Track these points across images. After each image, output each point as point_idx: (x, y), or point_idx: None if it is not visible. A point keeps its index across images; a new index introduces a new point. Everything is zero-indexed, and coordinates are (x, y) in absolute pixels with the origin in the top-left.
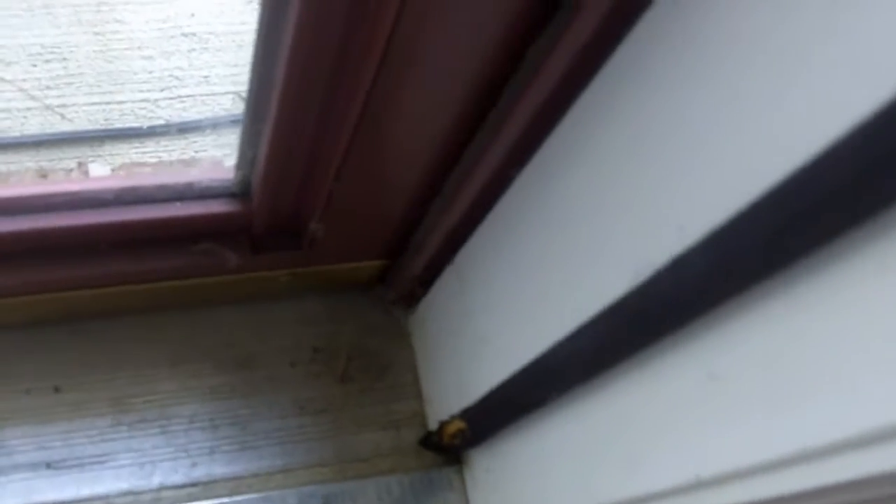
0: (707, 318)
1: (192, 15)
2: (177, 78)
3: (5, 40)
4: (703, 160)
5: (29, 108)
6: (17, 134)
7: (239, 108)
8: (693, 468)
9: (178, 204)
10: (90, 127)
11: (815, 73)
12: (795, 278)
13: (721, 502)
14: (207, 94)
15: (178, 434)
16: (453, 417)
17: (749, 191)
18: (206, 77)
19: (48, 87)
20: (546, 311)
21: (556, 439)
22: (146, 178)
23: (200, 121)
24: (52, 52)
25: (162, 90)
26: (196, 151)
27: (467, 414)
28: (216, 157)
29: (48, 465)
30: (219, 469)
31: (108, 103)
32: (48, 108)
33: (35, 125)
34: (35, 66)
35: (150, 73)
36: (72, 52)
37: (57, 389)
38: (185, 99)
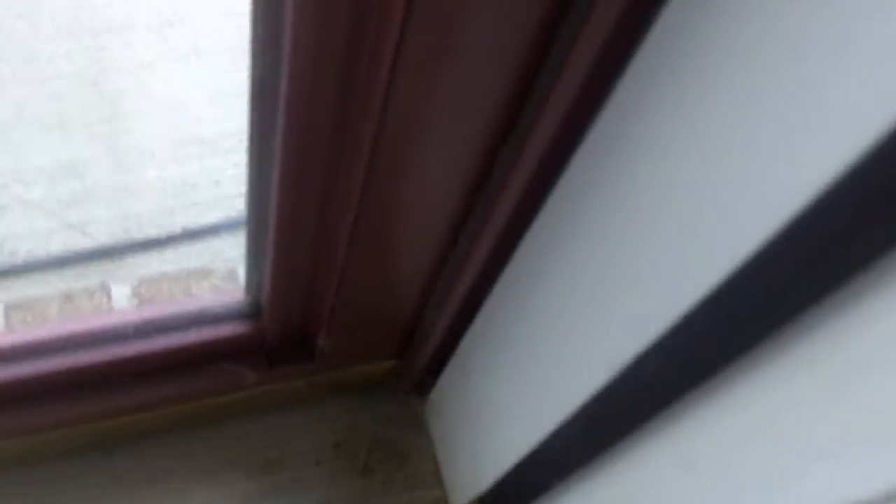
0: (672, 409)
1: (200, 120)
2: (190, 185)
3: (24, 162)
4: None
5: (51, 228)
6: (42, 255)
7: None
8: None
9: (193, 330)
10: (110, 241)
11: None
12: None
13: None
14: (221, 198)
15: None
16: (472, 503)
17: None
18: (217, 181)
19: (68, 205)
20: (540, 400)
21: None
22: (162, 309)
23: (216, 224)
24: (68, 170)
25: (176, 197)
26: (213, 254)
27: (484, 501)
28: (231, 265)
29: None
30: None
31: (125, 216)
32: (70, 226)
33: (58, 244)
34: (54, 185)
35: (164, 181)
36: (87, 167)
37: None
38: (199, 204)
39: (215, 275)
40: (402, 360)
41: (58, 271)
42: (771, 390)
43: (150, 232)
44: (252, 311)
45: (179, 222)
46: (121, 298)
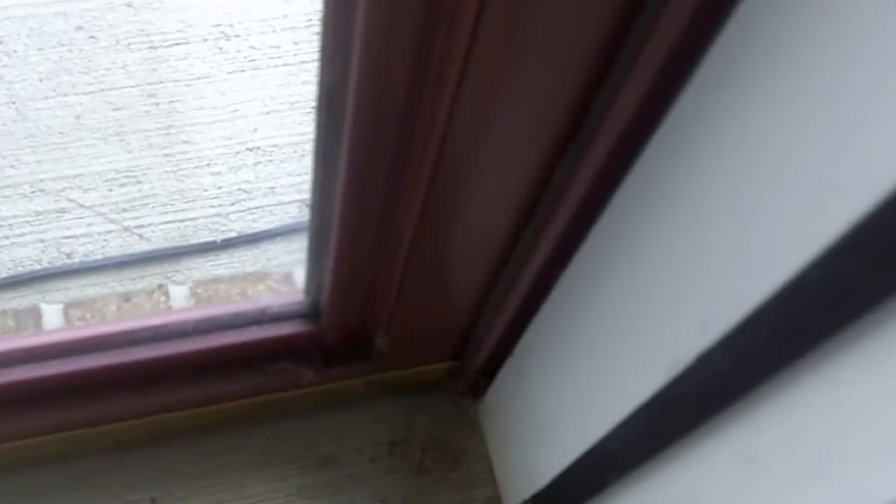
0: (736, 405)
1: (255, 130)
2: (245, 191)
3: (82, 168)
4: (719, 266)
5: (108, 231)
6: (99, 257)
7: (305, 214)
8: None
9: (253, 328)
10: (167, 245)
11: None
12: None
13: None
14: (275, 204)
15: None
16: (525, 502)
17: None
18: (272, 188)
19: (125, 210)
20: (597, 400)
21: None
22: (222, 308)
23: (270, 230)
24: (126, 176)
25: (232, 204)
26: (268, 259)
27: (537, 500)
28: (287, 269)
29: None
30: None
31: (182, 220)
32: (126, 229)
33: (115, 247)
34: (111, 190)
35: (220, 188)
36: (145, 174)
37: (154, 500)
38: (254, 211)
39: (270, 278)
40: (457, 361)
41: (115, 273)
42: (832, 388)
43: (206, 237)
44: (311, 312)
45: (235, 228)
46: (179, 298)
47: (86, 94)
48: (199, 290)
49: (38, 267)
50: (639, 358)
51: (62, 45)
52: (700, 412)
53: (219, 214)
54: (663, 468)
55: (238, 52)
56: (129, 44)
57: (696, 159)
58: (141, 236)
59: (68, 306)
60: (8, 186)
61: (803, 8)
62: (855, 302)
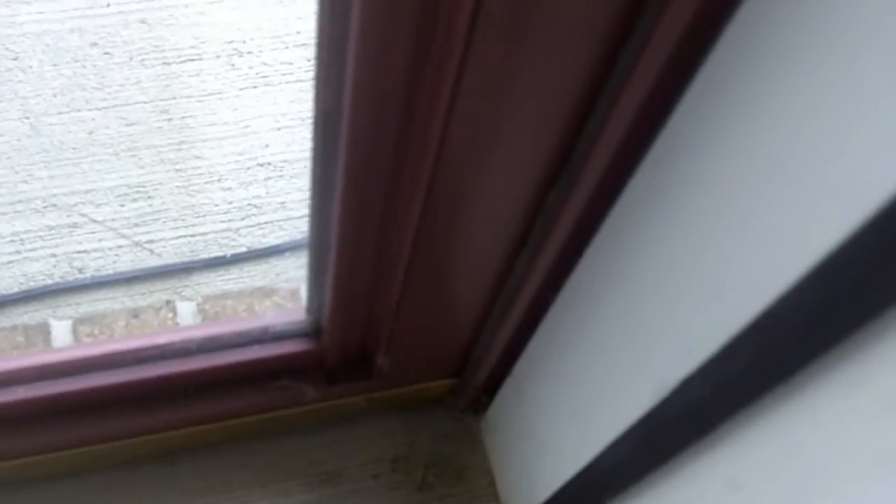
0: (718, 431)
1: (266, 146)
2: (255, 206)
3: (94, 183)
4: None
5: (120, 246)
6: (110, 272)
7: None
8: None
9: (256, 347)
10: (177, 260)
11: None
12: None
13: None
14: (285, 220)
15: None
16: None
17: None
18: (282, 203)
19: (136, 225)
20: (592, 419)
21: None
22: (226, 326)
23: (280, 245)
24: (137, 192)
25: (242, 219)
26: (277, 274)
27: None
28: (294, 285)
29: None
30: None
31: (192, 235)
32: (137, 244)
33: (126, 262)
34: (123, 205)
35: (231, 203)
36: (156, 189)
37: None
38: (264, 226)
39: (278, 294)
40: (459, 379)
41: (124, 288)
42: (814, 413)
43: (216, 251)
44: (313, 331)
45: (244, 243)
46: (186, 315)
47: (99, 109)
48: (207, 307)
49: (49, 282)
50: (628, 381)
51: (76, 61)
52: (683, 436)
53: (229, 229)
54: (656, 488)
55: (250, 68)
56: (143, 60)
57: (680, 192)
58: (152, 251)
59: (77, 322)
60: (20, 202)
61: (788, 42)
62: (834, 327)
